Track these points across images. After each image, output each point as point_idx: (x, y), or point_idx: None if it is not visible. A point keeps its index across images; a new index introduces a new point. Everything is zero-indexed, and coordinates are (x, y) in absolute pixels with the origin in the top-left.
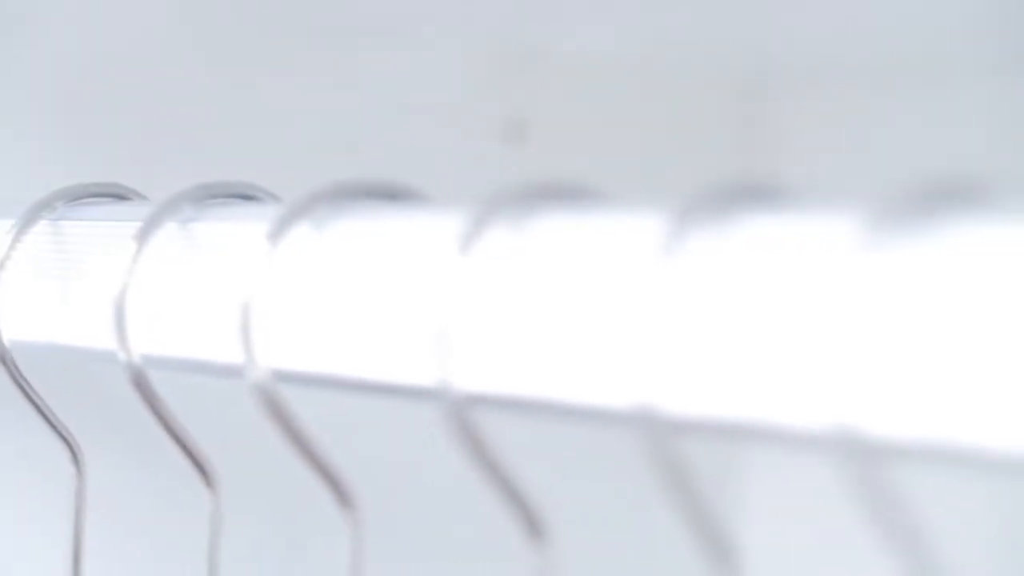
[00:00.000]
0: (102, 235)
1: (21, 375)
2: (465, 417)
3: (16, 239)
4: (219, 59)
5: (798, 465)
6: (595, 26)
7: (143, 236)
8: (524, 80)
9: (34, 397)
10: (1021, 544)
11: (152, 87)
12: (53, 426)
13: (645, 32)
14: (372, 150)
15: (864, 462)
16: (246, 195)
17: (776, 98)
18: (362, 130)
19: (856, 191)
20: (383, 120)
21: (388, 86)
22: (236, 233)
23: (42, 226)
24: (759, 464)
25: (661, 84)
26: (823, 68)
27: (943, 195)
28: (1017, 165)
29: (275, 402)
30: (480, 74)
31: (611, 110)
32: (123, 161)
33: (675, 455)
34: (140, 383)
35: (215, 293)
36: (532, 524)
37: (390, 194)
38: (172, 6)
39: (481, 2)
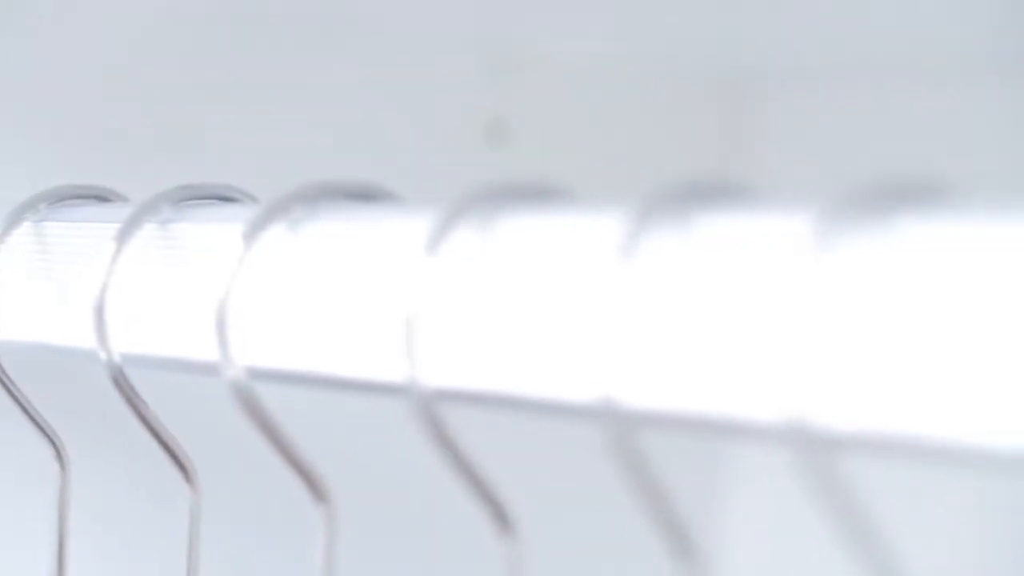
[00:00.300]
0: (83, 236)
1: (5, 374)
2: (433, 412)
3: (0, 240)
4: (204, 60)
5: (784, 463)
6: (579, 28)
7: (122, 237)
8: (508, 82)
9: (18, 395)
10: (1015, 543)
11: (135, 89)
12: (37, 424)
13: (629, 34)
14: (356, 151)
15: (817, 453)
16: (224, 196)
17: (762, 100)
18: (346, 131)
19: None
20: (367, 121)
21: (372, 87)
22: (213, 234)
23: (25, 227)
24: (745, 461)
25: (646, 86)
26: (809, 69)
27: (894, 193)
28: (1001, 166)
29: (250, 399)
30: (464, 75)
31: (595, 112)
32: (107, 163)
33: (636, 447)
34: (120, 381)
35: (192, 292)
36: (501, 518)
37: (364, 195)
38: (155, 8)
39: (465, 4)
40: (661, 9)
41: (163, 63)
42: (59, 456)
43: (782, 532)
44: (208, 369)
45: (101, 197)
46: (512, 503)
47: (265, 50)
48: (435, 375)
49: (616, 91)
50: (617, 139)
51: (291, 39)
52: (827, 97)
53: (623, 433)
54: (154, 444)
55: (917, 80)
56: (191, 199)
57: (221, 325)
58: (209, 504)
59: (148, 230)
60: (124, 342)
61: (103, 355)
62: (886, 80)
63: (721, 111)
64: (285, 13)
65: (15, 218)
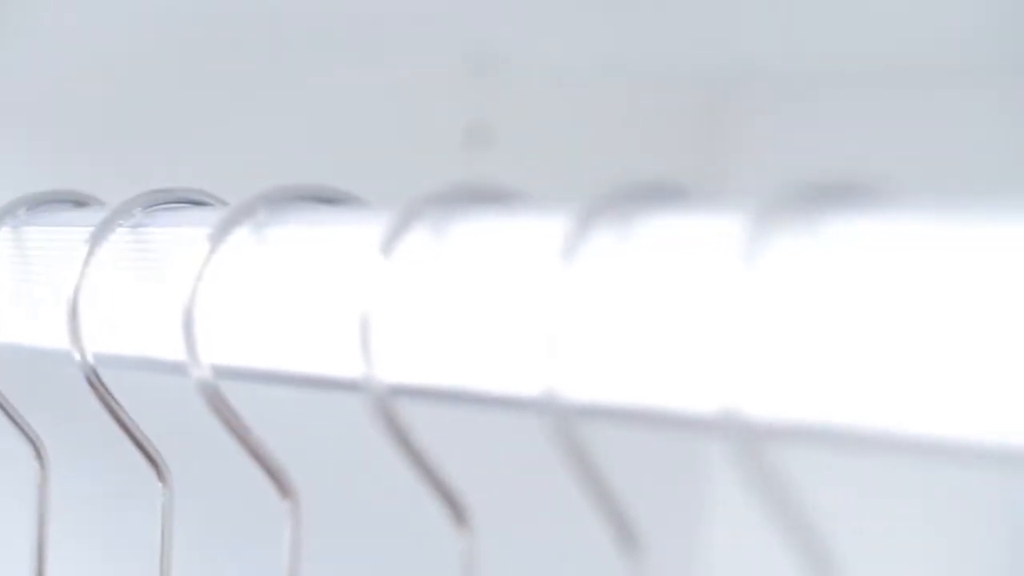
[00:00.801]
0: (59, 240)
1: None
2: (388, 407)
3: None
4: (184, 69)
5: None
6: (563, 33)
7: (95, 240)
8: (491, 86)
9: None
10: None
11: (118, 94)
12: (17, 424)
13: (613, 39)
14: (339, 154)
15: (752, 444)
16: (194, 200)
17: (748, 105)
18: (330, 134)
19: None
20: (350, 125)
21: (355, 91)
22: (181, 236)
23: (4, 232)
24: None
25: (630, 91)
26: (796, 75)
27: (826, 193)
28: (994, 167)
29: (217, 397)
30: (447, 80)
31: (578, 116)
32: (90, 164)
33: (578, 439)
34: (93, 381)
35: (161, 294)
36: (456, 511)
37: (327, 198)
38: (137, 13)
39: (448, 10)
40: (645, 14)
41: (145, 68)
42: (39, 456)
43: (766, 531)
44: (176, 368)
45: (78, 201)
46: (467, 497)
47: (249, 55)
48: (390, 372)
49: (599, 96)
50: (600, 144)
51: (274, 44)
52: (814, 103)
53: (565, 425)
54: (128, 443)
55: (908, 82)
56: (162, 203)
57: (188, 326)
58: (181, 501)
59: (120, 233)
60: (97, 343)
61: (77, 355)
62: (874, 83)
63: (706, 116)
64: (268, 17)
65: None
